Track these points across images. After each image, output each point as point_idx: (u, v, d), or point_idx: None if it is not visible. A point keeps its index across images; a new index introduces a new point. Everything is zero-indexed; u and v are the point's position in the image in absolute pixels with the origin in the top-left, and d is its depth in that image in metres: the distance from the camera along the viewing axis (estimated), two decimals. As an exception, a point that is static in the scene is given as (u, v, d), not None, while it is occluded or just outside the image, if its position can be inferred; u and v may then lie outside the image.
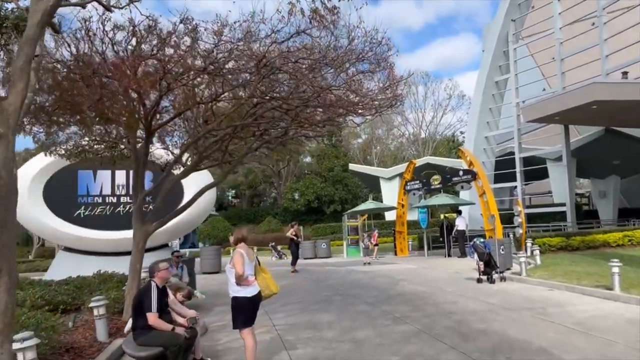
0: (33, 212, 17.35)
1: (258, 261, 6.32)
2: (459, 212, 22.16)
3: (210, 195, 19.87)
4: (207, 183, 20.60)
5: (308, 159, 58.75)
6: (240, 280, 5.81)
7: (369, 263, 20.12)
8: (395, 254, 24.97)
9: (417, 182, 23.81)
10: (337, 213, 41.17)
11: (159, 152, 12.73)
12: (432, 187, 22.68)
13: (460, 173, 21.02)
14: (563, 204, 27.94)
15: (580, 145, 29.19)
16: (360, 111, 9.05)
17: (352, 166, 43.28)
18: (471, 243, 13.62)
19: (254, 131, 10.00)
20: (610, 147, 29.13)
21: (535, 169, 30.88)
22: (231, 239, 6.32)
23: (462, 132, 62.12)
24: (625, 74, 23.18)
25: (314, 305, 10.76)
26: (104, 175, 18.29)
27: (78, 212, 17.83)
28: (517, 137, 30.08)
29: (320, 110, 9.05)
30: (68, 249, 18.31)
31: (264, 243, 33.60)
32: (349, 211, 26.84)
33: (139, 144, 9.30)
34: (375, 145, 61.94)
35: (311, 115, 9.09)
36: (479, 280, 13.07)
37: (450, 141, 59.19)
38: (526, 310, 9.19)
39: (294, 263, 18.21)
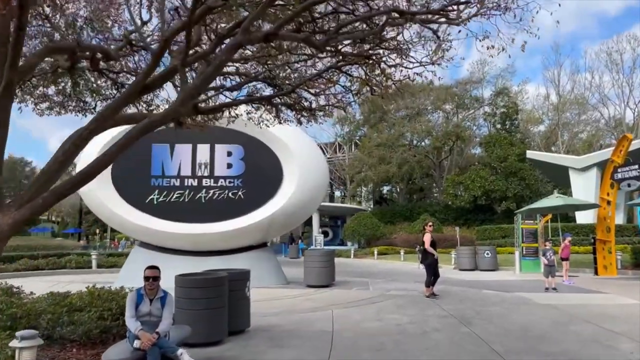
0: (99, 196, 13.92)
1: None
2: None
3: (319, 180, 14.63)
4: (316, 154, 15.43)
5: (477, 150, 50.70)
6: None
7: (554, 289, 13.01)
8: (596, 273, 17.11)
9: (636, 166, 15.69)
10: (511, 212, 33.15)
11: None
12: (664, 174, 14.51)
13: None
14: None
15: None
16: None
17: (531, 153, 34.50)
18: None
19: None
20: None
21: None
22: None
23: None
24: None
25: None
26: (183, 150, 14.19)
27: (151, 197, 13.97)
28: None
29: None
30: (144, 245, 14.64)
31: (414, 245, 27.53)
32: (525, 209, 19.41)
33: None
34: (562, 132, 51.05)
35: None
36: None
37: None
38: None
39: (430, 283, 12.06)
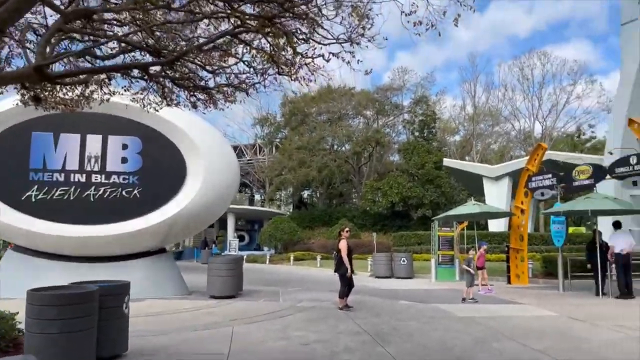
0: (-37, 190, 11.73)
1: None
2: (618, 225, 13.86)
3: (228, 179, 13.30)
4: (226, 150, 14.07)
5: (396, 157, 51.18)
6: None
7: (472, 299, 12.53)
8: (509, 282, 17.03)
9: (549, 176, 15.73)
10: (427, 218, 33.41)
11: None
12: (577, 183, 14.55)
13: (633, 160, 12.73)
14: None
15: None
16: None
17: (448, 161, 35.07)
18: None
19: None
20: None
21: None
22: None
23: (591, 126, 51.15)
24: None
25: None
26: (70, 141, 12.29)
27: (29, 193, 11.95)
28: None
29: None
30: (19, 249, 12.56)
31: (332, 251, 26.69)
32: (442, 215, 19.17)
33: None
34: (476, 142, 52.81)
35: None
36: None
37: (574, 137, 48.67)
38: None
39: (344, 293, 11.11)
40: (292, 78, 5.79)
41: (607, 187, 18.30)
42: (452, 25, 5.17)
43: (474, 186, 35.72)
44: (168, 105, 6.27)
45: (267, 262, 30.57)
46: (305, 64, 6.01)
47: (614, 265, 13.43)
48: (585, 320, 9.84)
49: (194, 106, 6.44)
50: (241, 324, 9.25)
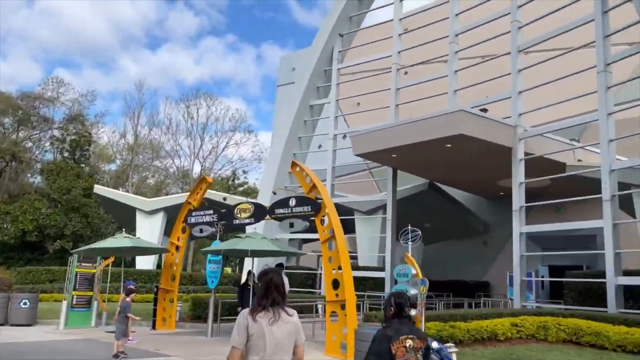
0: None
1: None
2: (281, 266, 13.84)
3: None
4: None
5: (37, 179, 43.78)
6: None
7: (121, 354, 10.04)
8: (154, 327, 15.11)
9: (211, 212, 14.83)
10: (65, 252, 28.77)
11: None
12: (238, 221, 13.96)
13: (292, 202, 12.82)
14: (379, 269, 22.11)
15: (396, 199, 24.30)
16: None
17: (99, 189, 31.40)
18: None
19: None
20: (428, 205, 25.00)
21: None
22: None
23: (244, 172, 55.11)
24: (485, 110, 18.76)
25: None
26: None
27: None
28: (331, 178, 23.78)
29: None
30: None
31: None
32: (85, 248, 15.94)
33: None
34: (133, 174, 50.08)
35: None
36: None
37: (229, 180, 51.22)
38: None
39: None
40: None
41: (257, 227, 18.77)
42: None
43: (126, 219, 32.92)
44: None
45: None
46: None
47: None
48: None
49: None
50: None
